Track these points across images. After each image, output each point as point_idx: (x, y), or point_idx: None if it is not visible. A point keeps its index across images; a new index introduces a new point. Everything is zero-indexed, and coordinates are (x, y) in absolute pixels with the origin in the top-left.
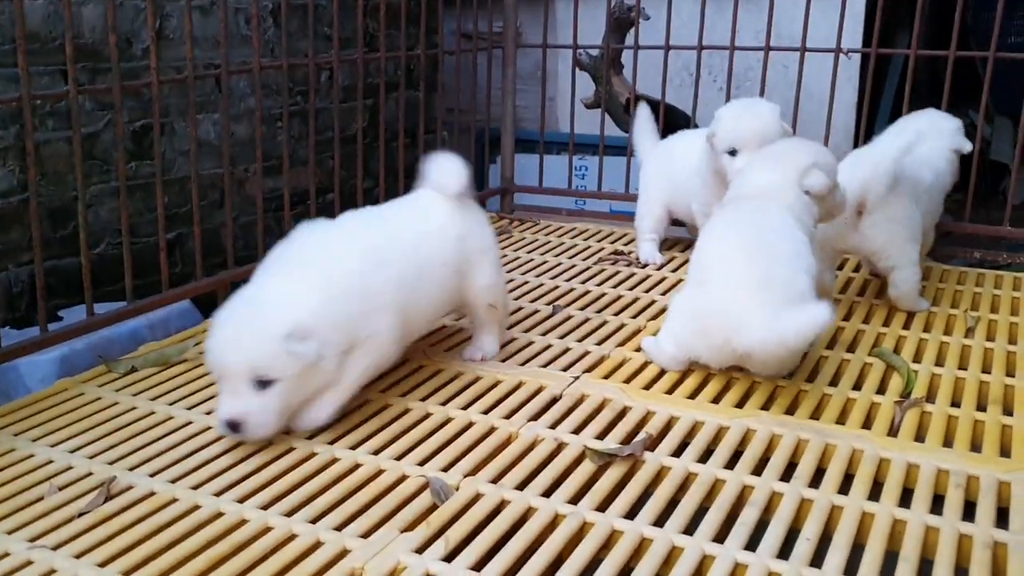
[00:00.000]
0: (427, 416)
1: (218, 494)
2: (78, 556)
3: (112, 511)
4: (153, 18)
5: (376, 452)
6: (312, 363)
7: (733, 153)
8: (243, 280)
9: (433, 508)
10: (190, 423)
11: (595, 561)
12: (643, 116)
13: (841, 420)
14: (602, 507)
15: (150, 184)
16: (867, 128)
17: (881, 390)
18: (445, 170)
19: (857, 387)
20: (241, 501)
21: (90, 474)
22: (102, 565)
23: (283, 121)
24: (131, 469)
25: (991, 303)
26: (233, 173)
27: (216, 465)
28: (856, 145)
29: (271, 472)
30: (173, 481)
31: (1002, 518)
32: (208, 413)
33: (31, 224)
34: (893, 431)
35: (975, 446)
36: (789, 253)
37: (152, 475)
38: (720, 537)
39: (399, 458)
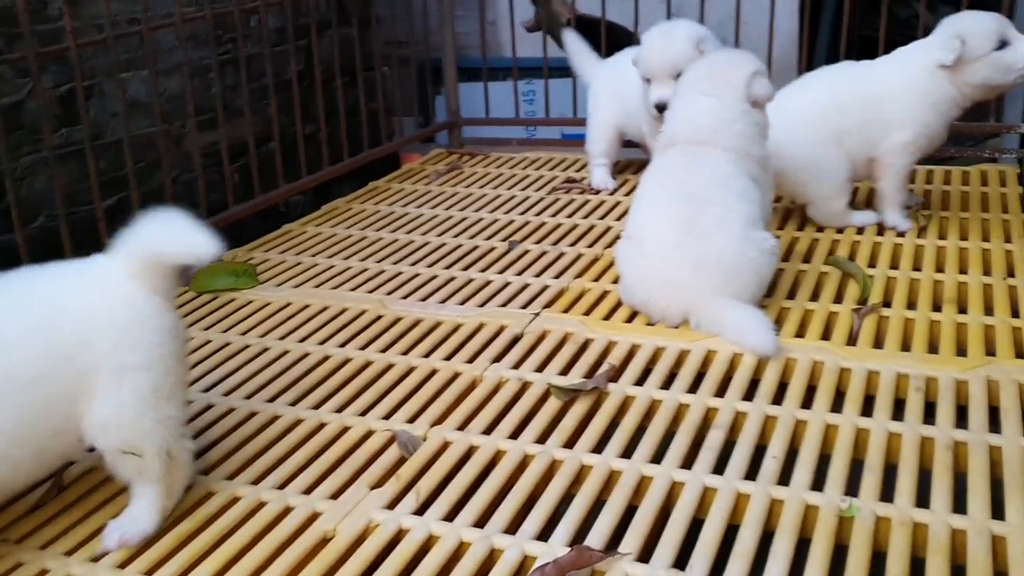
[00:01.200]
0: (390, 367)
1: None
2: (42, 548)
3: (73, 497)
4: None
5: (340, 409)
6: None
7: (648, 81)
8: None
9: (402, 461)
10: None
11: (567, 498)
12: (572, 41)
13: (800, 333)
14: (570, 443)
15: (84, 150)
16: (811, 30)
17: (838, 299)
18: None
19: (815, 298)
20: (206, 473)
21: None
22: (68, 554)
23: (214, 72)
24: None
25: (941, 199)
26: (169, 130)
27: None
28: (800, 47)
29: (235, 440)
30: None
31: (961, 417)
32: None
33: None
34: (852, 340)
35: (932, 347)
36: (725, 213)
37: None
38: (688, 463)
39: (364, 413)
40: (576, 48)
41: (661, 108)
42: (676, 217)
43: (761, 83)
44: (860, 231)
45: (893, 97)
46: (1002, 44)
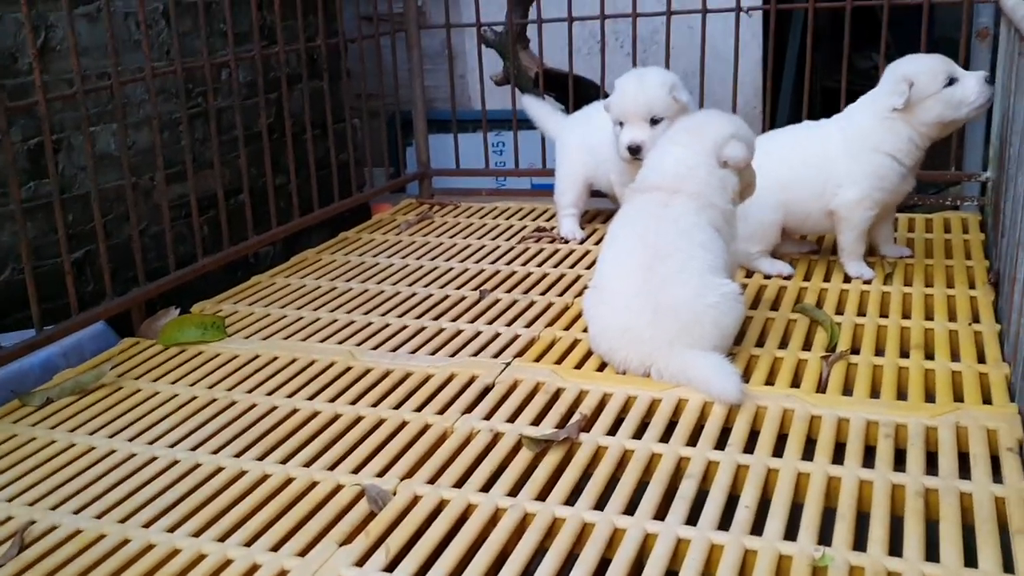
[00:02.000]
0: (359, 420)
1: (147, 525)
2: None
3: (34, 557)
4: (33, 35)
5: (308, 464)
6: None
7: (620, 125)
8: (157, 297)
9: (371, 516)
10: (113, 452)
11: (540, 551)
12: (531, 103)
13: (770, 380)
14: (542, 496)
15: (52, 203)
16: (774, 82)
17: (807, 346)
18: None
19: (783, 345)
20: (172, 530)
21: (9, 518)
22: None
23: (184, 125)
24: (53, 508)
25: (906, 246)
26: (137, 183)
27: (143, 494)
28: (765, 99)
29: (201, 496)
30: (99, 516)
31: (932, 463)
32: (131, 439)
33: None
34: (821, 387)
35: (901, 394)
36: (686, 261)
37: (76, 512)
38: (661, 513)
39: (332, 468)
40: (536, 109)
41: (634, 150)
42: (638, 266)
43: (735, 146)
44: (826, 279)
45: (845, 153)
46: (950, 81)
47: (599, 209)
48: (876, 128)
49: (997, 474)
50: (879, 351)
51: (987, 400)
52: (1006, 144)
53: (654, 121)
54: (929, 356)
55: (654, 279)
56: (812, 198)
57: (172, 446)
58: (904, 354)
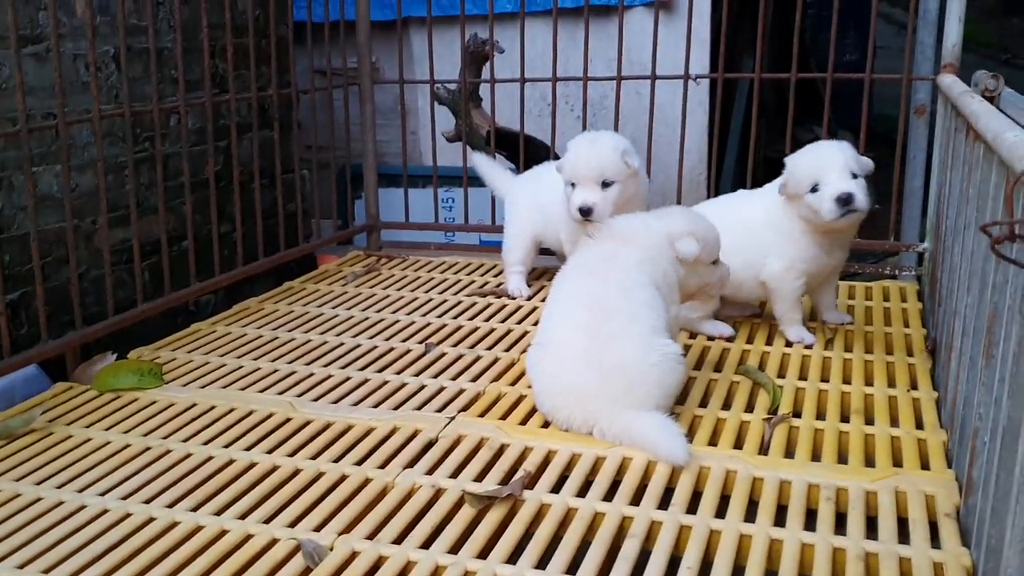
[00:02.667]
0: (297, 472)
1: None
2: None
3: None
4: None
5: (243, 516)
6: None
7: (573, 186)
8: (93, 342)
9: (307, 572)
10: (39, 499)
11: None
12: (481, 162)
13: (713, 441)
14: (483, 554)
15: None
16: (719, 150)
17: (750, 408)
18: None
19: (726, 406)
20: None
21: None
22: None
23: (130, 169)
24: None
25: (847, 313)
26: (79, 226)
27: (70, 543)
28: (709, 166)
29: (130, 547)
30: (21, 566)
31: (871, 527)
32: (60, 487)
33: None
34: (764, 449)
35: (842, 457)
36: (627, 321)
37: None
38: (603, 573)
39: (268, 521)
40: (486, 168)
41: (585, 212)
42: (582, 324)
43: (688, 243)
44: (768, 342)
45: (767, 224)
46: (814, 188)
47: (546, 267)
48: (781, 209)
49: (935, 539)
50: (820, 415)
51: (925, 466)
52: (942, 216)
53: (605, 184)
54: (869, 421)
55: (598, 337)
56: (744, 267)
57: (103, 494)
58: (844, 418)
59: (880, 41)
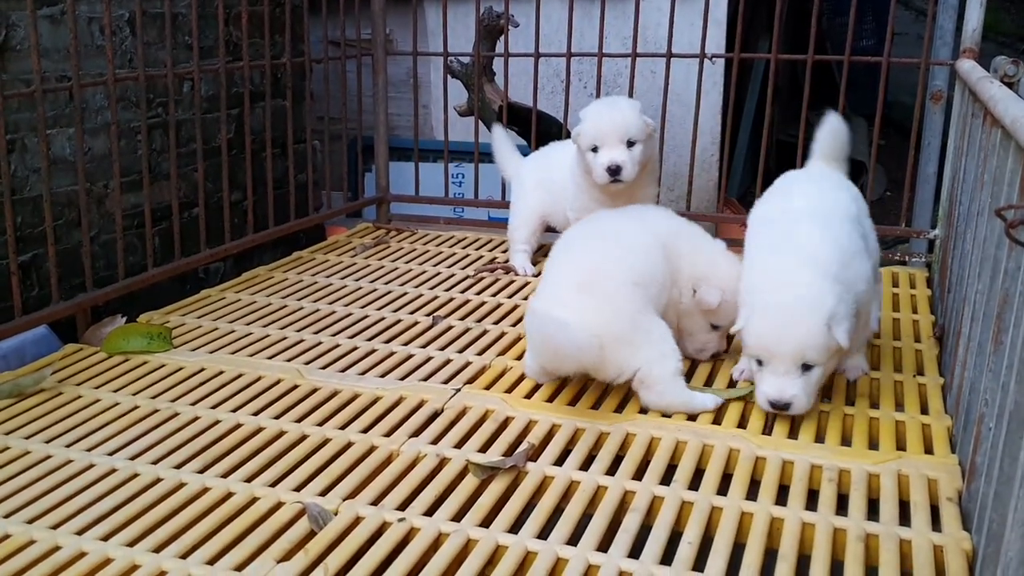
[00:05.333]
0: (303, 438)
1: (80, 532)
2: None
3: None
4: None
5: (249, 479)
6: None
7: (595, 150)
8: (103, 304)
9: (311, 535)
10: (49, 457)
11: None
12: (499, 136)
13: (717, 420)
14: (486, 522)
15: (0, 204)
16: (732, 131)
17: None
18: None
19: (732, 386)
20: (105, 539)
21: None
22: None
23: (142, 134)
24: None
25: None
26: (91, 190)
27: (77, 501)
28: (722, 147)
29: (137, 506)
30: (30, 521)
31: (873, 509)
32: (68, 445)
33: None
34: (767, 429)
35: (845, 440)
36: (616, 260)
37: (6, 516)
38: (604, 545)
39: (274, 484)
40: (502, 143)
41: (614, 170)
42: (572, 256)
43: (712, 292)
44: None
45: None
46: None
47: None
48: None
49: (936, 523)
50: (826, 397)
51: (929, 450)
52: (955, 203)
53: (630, 144)
54: (874, 405)
55: (584, 264)
56: None
57: (111, 454)
58: (850, 402)
59: (898, 27)
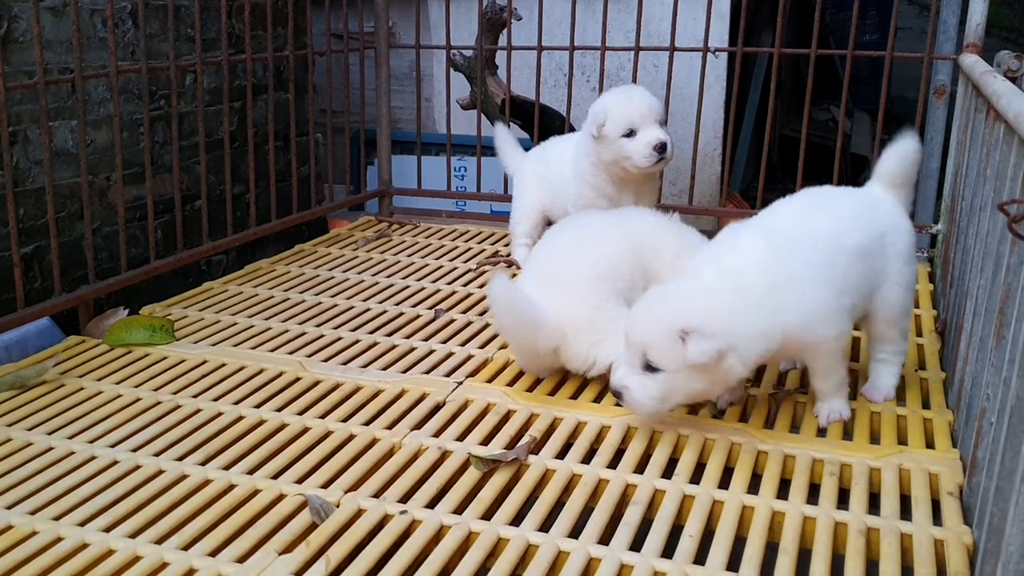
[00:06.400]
0: (305, 431)
1: (82, 523)
2: None
3: None
4: None
5: (251, 471)
6: None
7: (630, 134)
8: (106, 296)
9: (313, 527)
10: (51, 448)
11: (482, 570)
12: (501, 132)
13: (719, 415)
14: (488, 515)
15: (2, 196)
16: (735, 125)
17: (756, 382)
18: None
19: None
20: (107, 530)
21: None
22: None
23: (144, 126)
24: None
25: None
26: (94, 182)
27: (79, 492)
28: (725, 141)
29: (139, 498)
30: (32, 512)
31: (874, 504)
32: (71, 437)
33: None
34: (769, 423)
35: (847, 434)
36: (578, 254)
37: (9, 507)
38: (605, 538)
39: (276, 476)
40: (504, 139)
41: (661, 148)
42: (548, 249)
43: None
44: None
45: None
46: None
47: None
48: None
49: (937, 517)
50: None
51: (930, 445)
52: (958, 198)
53: (662, 124)
54: None
55: (556, 261)
56: None
57: (113, 446)
58: (851, 396)
59: (901, 22)
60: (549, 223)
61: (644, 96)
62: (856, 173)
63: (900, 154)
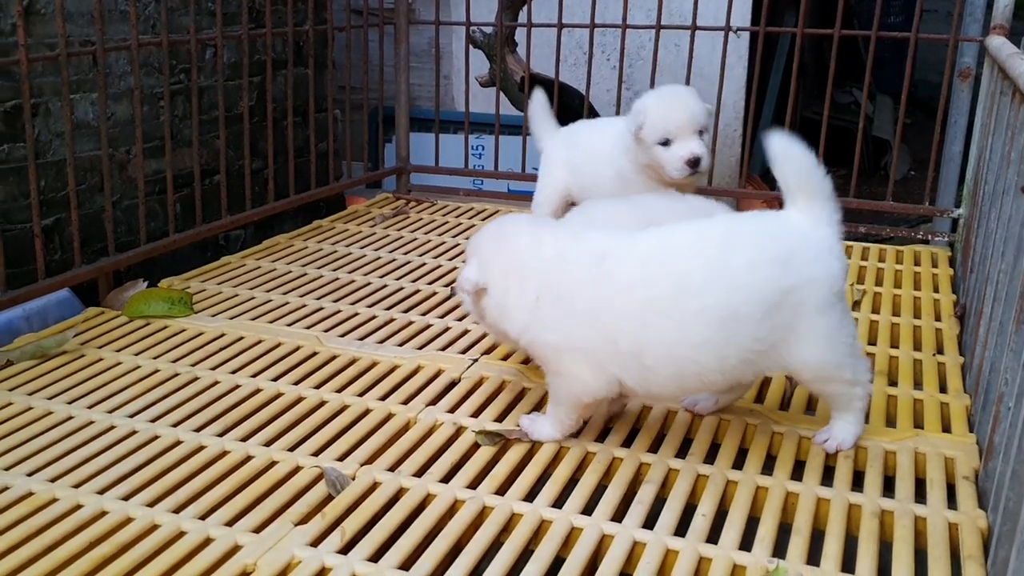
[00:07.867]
0: (322, 404)
1: (101, 492)
2: None
3: None
4: None
5: (268, 443)
6: None
7: (666, 143)
8: (125, 269)
9: (328, 499)
10: (71, 418)
11: (495, 544)
12: (539, 102)
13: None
14: (501, 491)
15: (24, 167)
16: (756, 106)
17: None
18: None
19: None
20: (126, 499)
21: None
22: None
23: (165, 100)
24: (7, 469)
25: (875, 276)
26: (114, 155)
27: (99, 461)
28: (745, 122)
29: (157, 467)
30: (52, 480)
31: (888, 486)
32: (90, 407)
33: None
34: (784, 404)
35: None
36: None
37: (29, 474)
38: (618, 516)
39: (292, 449)
40: (539, 110)
41: (695, 163)
42: None
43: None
44: None
45: None
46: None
47: None
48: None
49: (952, 501)
50: None
51: (947, 429)
52: (980, 182)
53: (700, 133)
54: (892, 383)
55: None
56: None
57: (131, 416)
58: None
59: (928, 4)
60: (571, 204)
61: (685, 104)
62: (878, 157)
63: (786, 159)
